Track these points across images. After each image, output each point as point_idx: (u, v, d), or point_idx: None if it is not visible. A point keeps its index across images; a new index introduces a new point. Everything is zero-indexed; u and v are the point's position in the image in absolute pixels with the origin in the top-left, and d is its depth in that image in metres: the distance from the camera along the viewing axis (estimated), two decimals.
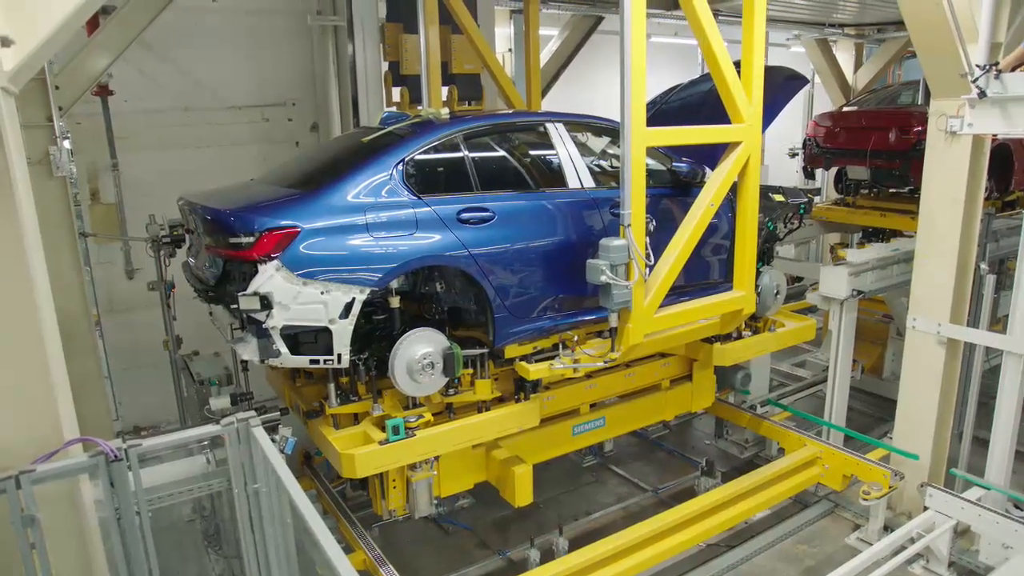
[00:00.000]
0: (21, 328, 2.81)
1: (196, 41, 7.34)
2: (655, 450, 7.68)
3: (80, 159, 6.64)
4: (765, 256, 5.94)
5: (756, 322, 5.85)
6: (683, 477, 6.99)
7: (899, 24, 10.63)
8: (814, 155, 8.72)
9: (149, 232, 5.38)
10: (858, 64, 11.99)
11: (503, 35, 8.58)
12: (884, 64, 11.71)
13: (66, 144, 5.03)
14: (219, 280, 4.01)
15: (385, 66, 6.61)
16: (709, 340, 5.55)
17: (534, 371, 4.49)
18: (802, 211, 6.16)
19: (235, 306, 3.75)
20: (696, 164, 5.09)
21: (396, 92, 6.55)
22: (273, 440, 3.28)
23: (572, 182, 4.71)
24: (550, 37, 9.07)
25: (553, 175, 4.75)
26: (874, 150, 7.85)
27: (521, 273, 4.35)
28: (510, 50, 8.82)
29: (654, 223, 4.23)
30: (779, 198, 5.88)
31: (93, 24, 5.70)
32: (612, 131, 5.06)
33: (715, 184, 4.52)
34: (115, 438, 5.90)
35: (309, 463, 5.86)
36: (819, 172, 9.88)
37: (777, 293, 5.77)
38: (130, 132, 7.09)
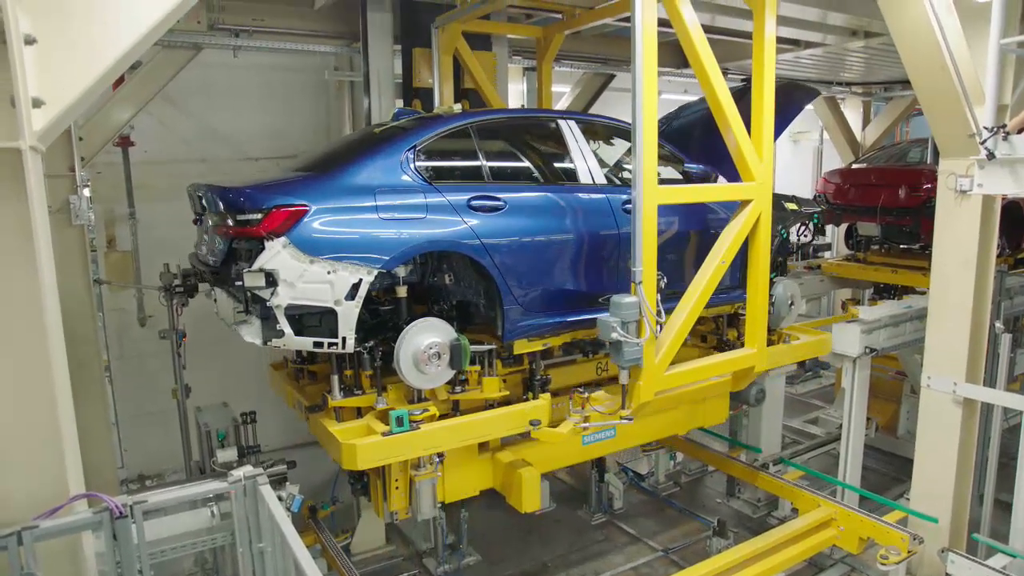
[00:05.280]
0: (35, 380, 2.81)
1: (216, 95, 7.53)
2: (665, 508, 7.53)
3: (98, 207, 6.76)
4: (779, 267, 5.88)
5: (770, 334, 5.66)
6: (694, 537, 6.83)
7: (906, 83, 10.78)
8: (824, 211, 8.76)
9: (162, 280, 5.43)
10: (866, 121, 12.13)
11: (516, 91, 8.75)
12: (892, 121, 11.85)
13: (86, 192, 5.13)
14: (224, 260, 3.97)
15: None
16: (722, 351, 5.45)
17: (568, 433, 4.42)
18: (815, 221, 6.15)
19: (239, 283, 3.68)
20: (709, 168, 5.06)
21: None
22: (280, 498, 3.23)
23: (584, 178, 4.71)
24: (562, 94, 9.25)
25: (564, 170, 4.76)
26: (884, 207, 7.89)
27: (531, 265, 4.32)
28: (523, 106, 8.99)
29: (665, 280, 4.22)
30: (792, 206, 5.86)
31: (118, 78, 5.87)
32: (623, 131, 5.06)
33: (726, 242, 4.53)
34: (120, 486, 5.88)
35: (314, 516, 5.77)
36: (829, 228, 9.90)
37: (791, 304, 5.70)
38: (148, 182, 7.22)
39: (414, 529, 6.73)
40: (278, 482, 3.78)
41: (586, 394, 4.65)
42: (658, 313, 4.12)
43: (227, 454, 4.53)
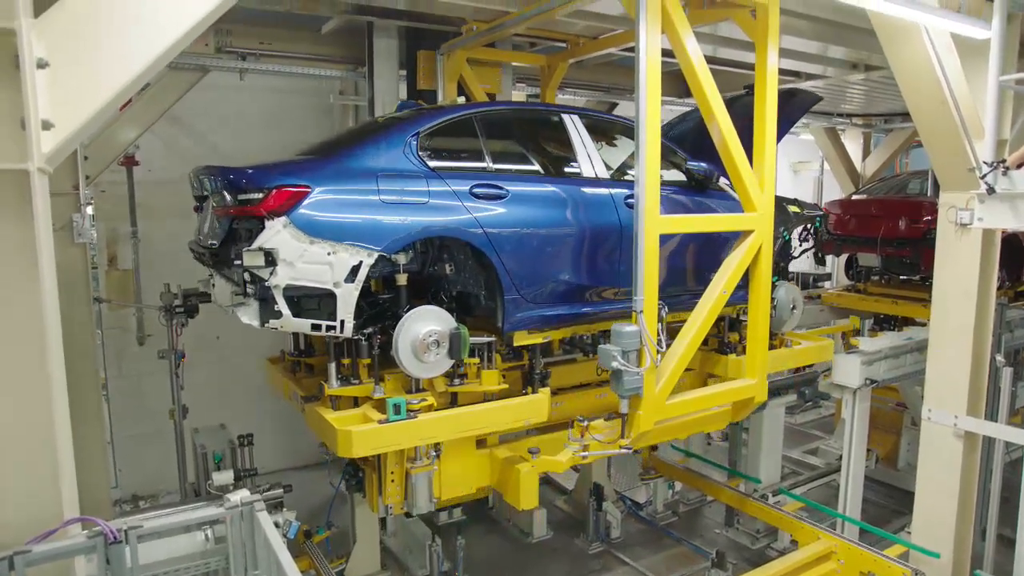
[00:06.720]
0: (34, 400, 2.80)
1: (222, 116, 7.60)
2: (663, 537, 7.45)
3: (100, 226, 6.79)
4: (781, 271, 5.87)
5: (772, 339, 5.60)
6: (692, 567, 6.75)
7: (906, 115, 10.81)
8: (825, 241, 8.79)
9: (163, 300, 5.42)
10: (866, 152, 12.22)
11: None
12: (892, 153, 11.94)
13: (89, 211, 5.14)
14: (224, 241, 3.95)
15: None
16: (724, 352, 5.40)
17: (567, 462, 4.37)
18: (818, 224, 6.14)
19: (238, 262, 3.66)
20: (712, 166, 5.02)
21: None
22: (276, 524, 3.19)
23: (586, 172, 4.71)
24: None
25: (566, 163, 4.76)
26: (885, 238, 7.92)
27: (533, 256, 4.30)
28: None
29: (666, 309, 4.22)
30: (794, 209, 5.87)
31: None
32: (627, 129, 5.07)
33: (727, 273, 4.53)
34: (113, 507, 5.81)
35: (309, 541, 5.70)
36: (830, 258, 9.93)
37: (793, 307, 5.66)
38: (152, 201, 7.26)
39: (410, 555, 6.65)
40: (274, 507, 3.74)
41: (585, 423, 4.62)
42: (659, 342, 4.11)
43: (223, 476, 4.49)
